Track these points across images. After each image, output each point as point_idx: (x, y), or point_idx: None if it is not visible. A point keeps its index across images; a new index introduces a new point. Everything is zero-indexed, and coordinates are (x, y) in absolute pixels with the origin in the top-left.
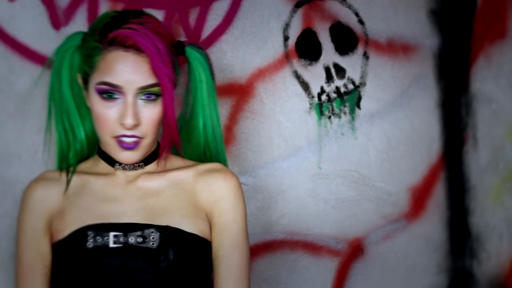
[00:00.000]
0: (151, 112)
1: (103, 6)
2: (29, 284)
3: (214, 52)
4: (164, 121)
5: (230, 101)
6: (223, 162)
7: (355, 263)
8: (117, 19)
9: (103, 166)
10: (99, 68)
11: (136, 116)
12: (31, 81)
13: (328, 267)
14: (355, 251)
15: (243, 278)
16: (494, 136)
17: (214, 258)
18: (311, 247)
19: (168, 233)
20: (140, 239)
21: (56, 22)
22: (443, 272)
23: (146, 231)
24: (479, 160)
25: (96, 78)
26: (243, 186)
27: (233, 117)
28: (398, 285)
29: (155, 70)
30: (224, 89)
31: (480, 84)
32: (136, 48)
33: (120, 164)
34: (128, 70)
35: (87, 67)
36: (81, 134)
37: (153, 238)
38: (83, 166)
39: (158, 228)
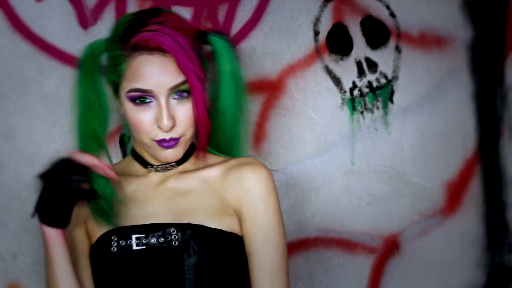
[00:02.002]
0: (185, 110)
1: (131, 4)
2: None
3: (244, 48)
4: (197, 118)
5: (260, 97)
6: (236, 152)
7: (391, 260)
8: (135, 23)
9: (136, 167)
10: (126, 76)
11: (172, 116)
12: (60, 81)
13: (363, 264)
14: (390, 247)
15: (279, 273)
16: None
17: (247, 254)
18: (346, 244)
19: (189, 231)
20: (161, 239)
21: (84, 21)
22: (481, 268)
23: (167, 231)
24: None
25: (126, 87)
26: (275, 183)
27: (264, 114)
28: (435, 282)
29: (181, 69)
30: (255, 85)
31: None
32: (160, 50)
33: (152, 165)
34: (156, 73)
35: (115, 77)
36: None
37: (174, 237)
38: (117, 167)
39: (179, 226)
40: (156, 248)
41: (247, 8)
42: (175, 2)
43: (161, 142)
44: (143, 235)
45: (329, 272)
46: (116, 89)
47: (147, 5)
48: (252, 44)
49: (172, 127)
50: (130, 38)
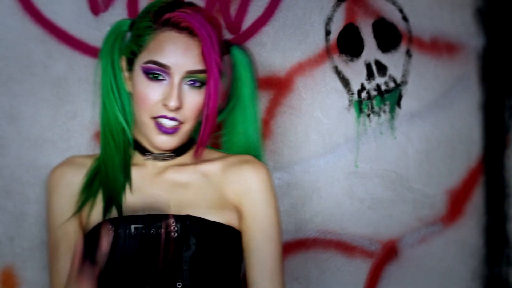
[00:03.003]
0: (195, 98)
1: None
2: (55, 263)
3: (254, 44)
4: (205, 111)
5: (268, 94)
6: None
7: (389, 265)
8: (172, 4)
9: (133, 156)
10: (148, 48)
11: (180, 99)
12: (67, 66)
13: (360, 268)
14: (389, 253)
15: (277, 270)
16: None
17: (245, 249)
18: (344, 247)
19: (189, 222)
20: (161, 230)
21: (95, 7)
22: (478, 279)
23: (167, 222)
24: None
25: (144, 57)
26: (277, 181)
27: (271, 111)
28: None
29: (205, 55)
30: (263, 82)
31: None
32: (189, 31)
33: (151, 153)
34: (179, 52)
35: (136, 47)
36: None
37: (174, 228)
38: None
39: (179, 217)
40: (155, 238)
41: (260, 3)
42: None
43: (160, 121)
44: (142, 226)
45: (326, 274)
46: (131, 62)
47: None
48: (263, 40)
49: (178, 109)
50: (163, 14)
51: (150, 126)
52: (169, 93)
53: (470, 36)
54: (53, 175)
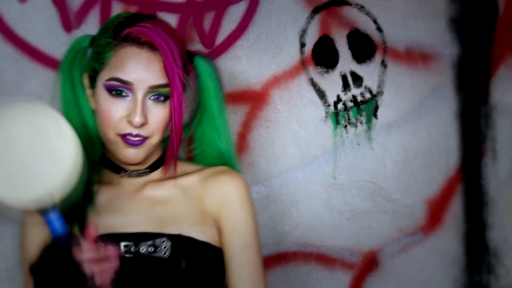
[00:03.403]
0: (159, 113)
1: (115, 9)
2: None
3: (228, 58)
4: (171, 125)
5: (244, 108)
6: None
7: (370, 276)
8: (131, 19)
9: (107, 175)
10: (109, 65)
11: (145, 114)
12: (40, 84)
13: (341, 280)
14: (369, 264)
15: (258, 275)
16: None
17: (225, 259)
18: (325, 259)
19: (180, 242)
20: (151, 249)
21: (68, 24)
22: (459, 287)
23: (158, 240)
24: (498, 173)
25: (106, 75)
26: (256, 195)
27: (247, 125)
28: None
29: (167, 69)
30: (238, 96)
31: (501, 95)
32: (150, 45)
33: (125, 171)
34: (141, 67)
35: (97, 64)
36: (97, 134)
37: (164, 247)
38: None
39: (170, 237)
40: (144, 257)
41: (234, 17)
42: (161, 9)
43: (126, 136)
44: (132, 243)
45: (307, 287)
46: (93, 79)
47: (132, 10)
48: (237, 53)
49: (143, 125)
50: (123, 30)
51: (116, 141)
52: (133, 110)
53: (445, 45)
54: None
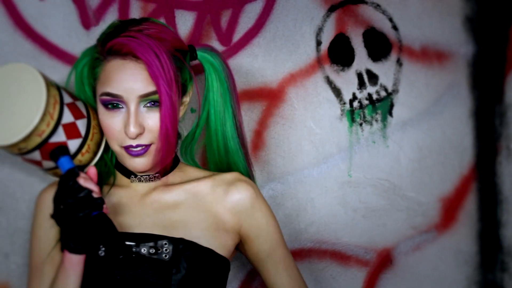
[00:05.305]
0: (155, 118)
1: (134, 6)
2: (38, 284)
3: (245, 55)
4: (160, 130)
5: (260, 105)
6: (243, 171)
7: (384, 274)
8: (117, 28)
9: (119, 178)
10: (100, 79)
11: (139, 124)
12: (60, 80)
13: (356, 277)
14: (384, 261)
15: (292, 266)
16: None
17: (254, 261)
18: (339, 256)
19: (181, 246)
20: (152, 250)
21: (87, 22)
22: (473, 286)
23: (159, 243)
24: None
25: (99, 90)
26: (271, 192)
27: (263, 122)
28: None
29: (152, 77)
30: (255, 93)
31: None
32: (133, 55)
33: (135, 176)
34: (127, 79)
35: (92, 80)
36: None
37: (166, 250)
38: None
39: (172, 240)
40: (145, 259)
41: (251, 15)
42: (179, 6)
43: (128, 149)
44: (134, 244)
45: (321, 284)
46: (94, 93)
47: (150, 7)
48: (254, 51)
49: (140, 134)
50: (107, 42)
51: (121, 153)
52: (127, 121)
53: (460, 44)
54: (40, 197)
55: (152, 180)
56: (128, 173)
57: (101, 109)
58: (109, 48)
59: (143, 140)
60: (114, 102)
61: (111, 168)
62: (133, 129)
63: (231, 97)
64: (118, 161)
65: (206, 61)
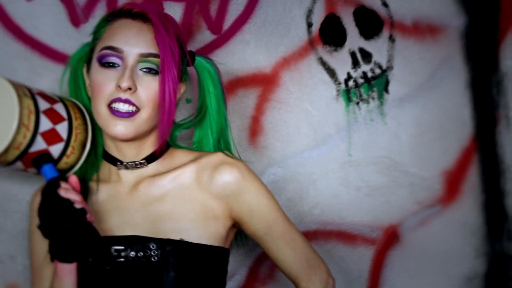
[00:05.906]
0: (150, 84)
1: (122, 1)
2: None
3: (237, 42)
4: (159, 97)
5: (255, 91)
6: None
7: (391, 251)
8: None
9: (107, 171)
10: (102, 38)
11: (133, 80)
12: (53, 80)
13: (363, 256)
14: (390, 238)
15: (295, 239)
16: None
17: (254, 240)
18: (346, 236)
19: (169, 247)
20: (140, 254)
21: (76, 19)
22: (481, 256)
23: (147, 245)
24: None
25: (99, 47)
26: (273, 177)
27: (260, 108)
28: (436, 272)
29: (156, 38)
30: (249, 79)
31: (511, 61)
32: (142, 17)
33: (122, 163)
34: (131, 35)
35: (93, 43)
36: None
37: (154, 252)
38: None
39: (160, 241)
40: (134, 262)
41: (239, 1)
42: None
43: (114, 109)
44: (122, 247)
45: (329, 264)
46: (89, 61)
47: (139, 1)
48: (246, 37)
49: (131, 91)
50: (118, 10)
51: (106, 115)
52: (121, 74)
53: (452, 16)
54: (32, 201)
55: (138, 167)
56: (115, 161)
57: (96, 67)
58: (119, 9)
59: (133, 98)
60: (111, 60)
61: (99, 159)
62: (126, 82)
63: (224, 102)
64: (105, 149)
65: (203, 67)
